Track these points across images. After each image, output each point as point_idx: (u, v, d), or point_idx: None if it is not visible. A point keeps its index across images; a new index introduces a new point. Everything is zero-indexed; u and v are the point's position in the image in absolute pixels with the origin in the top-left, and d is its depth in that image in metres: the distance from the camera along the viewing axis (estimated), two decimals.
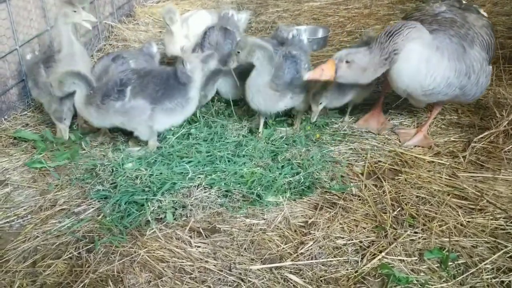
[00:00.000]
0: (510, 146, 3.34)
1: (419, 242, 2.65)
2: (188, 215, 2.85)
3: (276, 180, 3.02)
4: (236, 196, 2.95)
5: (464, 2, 3.50)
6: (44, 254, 2.64)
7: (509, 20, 5.38)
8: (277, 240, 2.70)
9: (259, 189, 2.96)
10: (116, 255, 2.60)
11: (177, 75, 3.26)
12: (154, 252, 2.61)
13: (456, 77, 3.08)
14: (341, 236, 2.71)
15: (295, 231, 2.76)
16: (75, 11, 3.50)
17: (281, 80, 3.36)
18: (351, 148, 3.46)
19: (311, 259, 2.56)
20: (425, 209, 2.87)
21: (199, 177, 3.01)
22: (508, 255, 2.55)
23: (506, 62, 4.32)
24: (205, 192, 2.96)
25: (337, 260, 2.56)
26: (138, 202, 2.87)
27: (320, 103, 3.41)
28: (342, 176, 3.17)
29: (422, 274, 2.47)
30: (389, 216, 2.81)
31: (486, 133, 3.45)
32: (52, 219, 2.88)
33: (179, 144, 3.32)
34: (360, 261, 2.55)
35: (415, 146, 3.49)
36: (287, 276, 2.45)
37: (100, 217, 2.86)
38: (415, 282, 2.41)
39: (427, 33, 3.05)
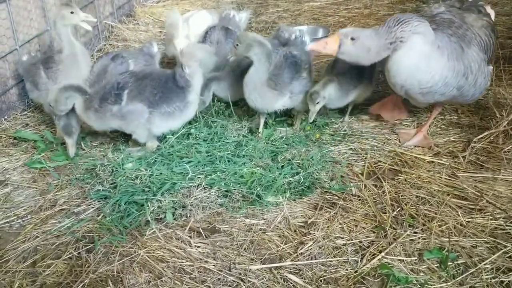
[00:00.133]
0: (510, 146, 3.34)
1: (418, 242, 2.65)
2: (188, 215, 2.85)
3: (276, 180, 3.02)
4: (236, 196, 2.96)
5: (469, 0, 3.49)
6: (44, 254, 2.64)
7: (509, 20, 5.38)
8: (277, 240, 2.71)
9: (259, 189, 2.96)
10: (116, 255, 2.60)
11: (176, 78, 3.25)
12: (154, 252, 2.61)
13: (454, 77, 3.08)
14: (341, 236, 2.71)
15: (295, 231, 2.76)
16: (72, 13, 3.50)
17: (280, 79, 3.37)
18: (351, 148, 3.47)
19: (311, 259, 2.56)
20: (424, 209, 2.87)
21: (199, 177, 3.02)
22: (508, 255, 2.55)
23: (506, 62, 4.32)
24: (205, 192, 2.96)
25: (337, 260, 2.56)
26: (138, 202, 2.87)
27: (317, 103, 3.40)
28: (342, 176, 3.17)
29: (421, 274, 2.47)
30: (388, 216, 2.81)
31: (486, 133, 3.45)
32: (52, 219, 2.88)
33: (179, 144, 3.32)
34: (360, 261, 2.55)
35: (415, 146, 3.49)
36: (286, 276, 2.46)
37: (100, 217, 2.86)
38: (415, 282, 2.41)
39: (431, 30, 3.05)
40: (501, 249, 2.58)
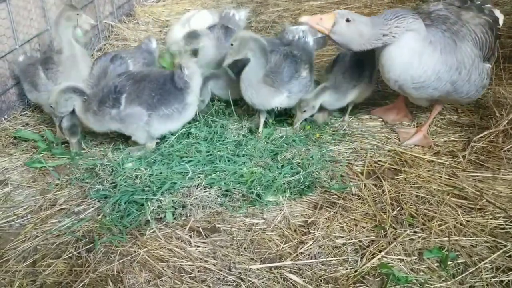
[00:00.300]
0: (510, 146, 3.34)
1: (418, 242, 2.66)
2: (188, 215, 2.85)
3: (276, 179, 3.02)
4: (235, 195, 2.96)
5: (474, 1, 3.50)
6: (44, 254, 2.64)
7: (509, 19, 5.37)
8: (277, 239, 2.71)
9: (258, 188, 2.96)
10: (116, 254, 2.60)
11: (174, 80, 3.23)
12: (153, 252, 2.61)
13: (447, 71, 3.10)
14: (341, 235, 2.71)
15: (295, 230, 2.76)
16: (78, 14, 3.52)
17: (278, 77, 3.37)
18: (351, 148, 3.47)
19: (311, 259, 2.56)
20: (424, 209, 2.87)
21: (199, 177, 3.02)
22: (508, 254, 2.56)
23: (506, 62, 4.32)
24: (205, 192, 2.96)
25: (337, 259, 2.56)
26: (138, 202, 2.88)
27: (304, 111, 3.43)
28: (341, 176, 3.17)
29: (421, 273, 2.48)
30: (388, 216, 2.81)
31: (485, 133, 3.45)
32: (52, 219, 2.88)
33: (179, 144, 3.32)
34: (360, 260, 2.55)
35: (415, 145, 3.49)
36: (286, 276, 2.46)
37: (100, 216, 2.86)
38: (415, 281, 2.41)
39: (424, 27, 3.08)
40: (501, 249, 2.59)
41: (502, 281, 2.41)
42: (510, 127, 3.44)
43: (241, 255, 2.60)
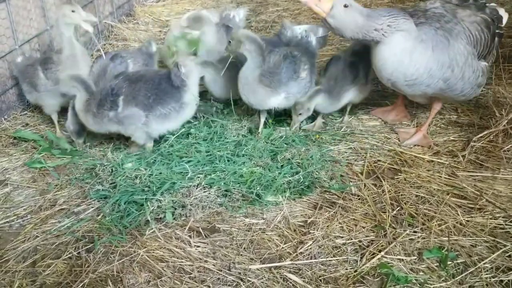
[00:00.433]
0: (510, 146, 3.34)
1: (418, 242, 2.66)
2: (188, 215, 2.85)
3: (276, 179, 3.02)
4: (235, 195, 2.96)
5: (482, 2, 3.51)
6: (43, 254, 2.64)
7: (509, 19, 5.36)
8: (277, 239, 2.71)
9: (258, 188, 2.96)
10: (115, 255, 2.60)
11: (171, 78, 3.22)
12: (153, 252, 2.61)
13: (439, 68, 3.12)
14: (341, 235, 2.71)
15: (295, 230, 2.76)
16: (73, 11, 3.49)
17: (275, 78, 3.37)
18: (351, 148, 3.47)
19: (311, 259, 2.56)
20: (424, 209, 2.87)
21: (199, 177, 3.02)
22: (507, 254, 2.56)
23: (506, 61, 4.31)
24: (204, 192, 2.96)
25: (337, 259, 2.56)
26: (137, 202, 2.88)
27: (300, 114, 3.43)
28: (341, 176, 3.17)
29: (421, 273, 2.48)
30: (388, 216, 2.81)
31: (485, 132, 3.45)
32: (51, 219, 2.88)
33: (178, 144, 3.33)
34: (360, 260, 2.55)
35: (415, 145, 3.49)
36: (286, 276, 2.46)
37: (99, 217, 2.87)
38: (414, 281, 2.42)
39: (415, 27, 3.12)
40: (501, 248, 2.59)
41: (501, 281, 2.41)
42: (510, 126, 3.44)
43: (241, 255, 2.60)
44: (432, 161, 3.31)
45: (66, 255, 2.62)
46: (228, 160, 3.18)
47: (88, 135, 3.59)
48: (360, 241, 2.67)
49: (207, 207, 2.90)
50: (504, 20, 3.58)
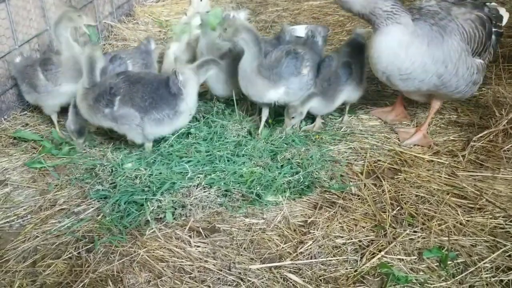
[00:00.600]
0: (510, 145, 3.34)
1: (418, 241, 2.66)
2: (188, 215, 2.85)
3: (276, 179, 3.02)
4: (235, 195, 2.96)
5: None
6: (44, 254, 2.64)
7: (509, 18, 5.37)
8: (277, 239, 2.71)
9: (258, 188, 2.96)
10: (115, 255, 2.60)
11: (169, 84, 3.21)
12: (153, 252, 2.61)
13: (433, 63, 3.13)
14: (341, 235, 2.71)
15: (295, 230, 2.76)
16: (79, 16, 3.52)
17: (274, 70, 3.38)
18: (351, 148, 3.47)
19: (311, 259, 2.56)
20: (424, 208, 2.87)
21: (199, 177, 3.02)
22: (507, 254, 2.56)
23: (506, 61, 4.32)
24: (204, 192, 2.96)
25: (337, 259, 2.56)
26: (137, 202, 2.88)
27: (293, 117, 3.41)
28: (341, 176, 3.17)
29: (421, 273, 2.48)
30: (388, 215, 2.81)
31: (485, 132, 3.46)
32: (51, 219, 2.88)
33: (178, 144, 3.32)
34: (360, 260, 2.55)
35: (415, 145, 3.49)
36: (286, 276, 2.46)
37: (99, 217, 2.87)
38: (414, 281, 2.42)
39: (411, 22, 3.12)
40: (501, 248, 2.59)
41: (502, 280, 2.42)
42: (509, 126, 3.44)
43: (241, 255, 2.60)
44: (432, 161, 3.31)
45: (66, 255, 2.62)
46: (228, 160, 3.18)
47: (88, 136, 3.60)
48: (360, 241, 2.67)
49: (207, 207, 2.90)
50: (505, 20, 3.59)
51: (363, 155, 3.38)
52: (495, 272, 2.46)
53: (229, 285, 2.43)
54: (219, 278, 2.46)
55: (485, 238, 2.66)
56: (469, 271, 2.47)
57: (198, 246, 2.66)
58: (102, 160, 3.25)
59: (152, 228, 2.76)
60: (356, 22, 5.83)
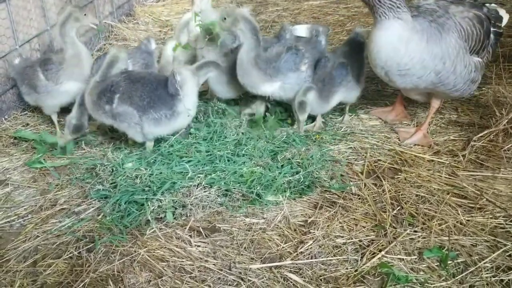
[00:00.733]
0: (510, 145, 3.35)
1: (418, 241, 2.66)
2: (188, 215, 2.85)
3: (276, 179, 3.03)
4: (235, 195, 2.96)
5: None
6: (44, 254, 2.64)
7: (509, 18, 5.37)
8: (277, 239, 2.71)
9: (258, 188, 2.96)
10: (116, 254, 2.60)
11: (167, 85, 3.22)
12: (154, 252, 2.61)
13: (432, 60, 3.14)
14: (341, 235, 2.72)
15: (295, 230, 2.77)
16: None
17: (273, 64, 3.40)
18: (351, 147, 3.47)
19: (311, 258, 2.56)
20: (424, 208, 2.88)
21: (199, 177, 3.02)
22: (508, 253, 2.56)
23: (506, 61, 4.32)
24: (205, 192, 2.96)
25: (337, 259, 2.56)
26: (138, 202, 2.88)
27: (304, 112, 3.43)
28: (341, 175, 3.17)
29: (421, 273, 2.48)
30: (388, 215, 2.81)
31: (485, 132, 3.46)
32: (52, 219, 2.89)
33: (178, 144, 3.33)
34: (360, 260, 2.55)
35: (415, 144, 3.49)
36: (286, 275, 2.46)
37: (100, 216, 2.87)
38: (415, 281, 2.42)
39: (411, 18, 3.14)
40: (501, 248, 2.59)
41: (502, 280, 2.42)
42: (510, 126, 3.44)
43: (241, 254, 2.60)
44: (432, 160, 3.31)
45: (67, 255, 2.62)
46: (228, 160, 3.18)
47: (86, 136, 3.61)
48: (360, 241, 2.67)
49: (207, 207, 2.90)
50: (504, 21, 3.60)
51: (363, 155, 3.38)
52: (495, 272, 2.46)
53: (229, 284, 2.44)
54: (219, 278, 2.47)
55: (485, 238, 2.66)
56: (470, 270, 2.47)
57: (199, 246, 2.67)
58: (103, 160, 3.25)
59: (153, 228, 2.76)
60: (357, 22, 5.84)
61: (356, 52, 3.64)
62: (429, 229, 2.72)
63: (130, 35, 5.42)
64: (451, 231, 2.71)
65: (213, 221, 2.83)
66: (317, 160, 3.20)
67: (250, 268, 2.50)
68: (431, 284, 2.40)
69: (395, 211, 2.86)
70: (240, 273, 2.48)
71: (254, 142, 3.34)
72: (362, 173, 3.20)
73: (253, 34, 3.34)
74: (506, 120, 3.46)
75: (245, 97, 3.79)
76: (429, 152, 3.41)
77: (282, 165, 3.16)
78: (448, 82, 3.24)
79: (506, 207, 2.87)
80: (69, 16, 3.52)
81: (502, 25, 3.57)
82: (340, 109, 3.87)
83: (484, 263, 2.50)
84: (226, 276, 2.47)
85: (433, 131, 3.63)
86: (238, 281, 2.44)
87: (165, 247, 2.64)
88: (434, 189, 3.03)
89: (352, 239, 2.68)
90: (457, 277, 2.44)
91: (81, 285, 2.43)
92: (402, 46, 3.09)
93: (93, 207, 2.96)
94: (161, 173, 3.05)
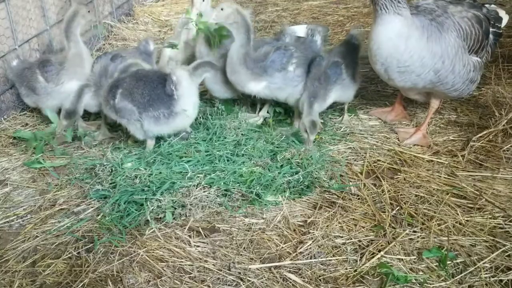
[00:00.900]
0: (509, 145, 3.35)
1: (417, 241, 2.66)
2: (187, 215, 2.85)
3: (275, 179, 3.03)
4: (235, 195, 2.96)
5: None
6: (43, 254, 2.64)
7: (508, 19, 5.37)
8: (276, 239, 2.71)
9: (258, 188, 2.96)
10: (115, 254, 2.60)
11: (165, 85, 3.24)
12: (153, 252, 2.61)
13: (431, 58, 3.14)
14: (340, 235, 2.72)
15: (294, 230, 2.77)
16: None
17: (258, 63, 3.41)
18: (350, 148, 3.47)
19: (310, 258, 2.56)
20: (424, 208, 2.88)
21: (198, 177, 3.02)
22: (507, 254, 2.56)
23: (505, 61, 4.32)
24: (204, 192, 2.96)
25: (336, 259, 2.56)
26: (137, 202, 2.88)
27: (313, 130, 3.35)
28: (341, 175, 3.17)
29: (420, 273, 2.48)
30: (388, 215, 2.82)
31: (485, 132, 3.46)
32: (51, 219, 2.88)
33: (178, 144, 3.33)
34: (359, 260, 2.55)
35: (414, 145, 3.50)
36: (286, 276, 2.46)
37: (99, 216, 2.87)
38: (414, 281, 2.42)
39: (410, 16, 3.13)
40: (500, 248, 2.59)
41: (501, 280, 2.42)
42: (509, 126, 3.44)
43: (241, 255, 2.60)
44: (432, 160, 3.31)
45: (66, 255, 2.62)
46: (228, 160, 3.18)
47: (87, 135, 3.60)
48: (359, 241, 2.67)
49: (206, 207, 2.90)
50: (504, 22, 3.60)
51: (362, 155, 3.38)
52: (494, 272, 2.46)
53: (228, 285, 2.43)
54: (218, 278, 2.47)
55: (484, 238, 2.66)
56: (469, 271, 2.47)
57: (198, 246, 2.67)
58: (102, 160, 3.25)
59: (152, 228, 2.76)
60: (356, 22, 5.84)
61: (350, 52, 3.63)
62: (428, 229, 2.72)
63: (129, 35, 5.42)
64: (450, 231, 2.71)
65: (213, 221, 2.83)
66: (317, 160, 3.20)
67: (250, 268, 2.50)
68: (430, 284, 2.41)
69: (394, 211, 2.86)
70: (240, 273, 2.48)
71: (254, 142, 3.34)
72: (361, 173, 3.20)
73: (245, 32, 3.36)
74: (505, 121, 3.46)
75: (244, 98, 3.79)
76: (429, 152, 3.41)
77: (281, 165, 3.15)
78: (447, 81, 3.24)
79: (505, 207, 2.87)
80: (76, 14, 3.53)
81: (502, 26, 3.58)
82: (339, 109, 3.87)
83: (483, 263, 2.50)
84: (225, 276, 2.47)
85: (432, 131, 3.63)
86: (237, 281, 2.44)
87: (165, 247, 2.64)
88: (433, 189, 3.03)
89: (351, 239, 2.68)
90: (456, 277, 2.44)
91: (80, 285, 2.43)
92: (402, 42, 3.09)
93: (92, 207, 2.95)
94: (160, 173, 3.05)
